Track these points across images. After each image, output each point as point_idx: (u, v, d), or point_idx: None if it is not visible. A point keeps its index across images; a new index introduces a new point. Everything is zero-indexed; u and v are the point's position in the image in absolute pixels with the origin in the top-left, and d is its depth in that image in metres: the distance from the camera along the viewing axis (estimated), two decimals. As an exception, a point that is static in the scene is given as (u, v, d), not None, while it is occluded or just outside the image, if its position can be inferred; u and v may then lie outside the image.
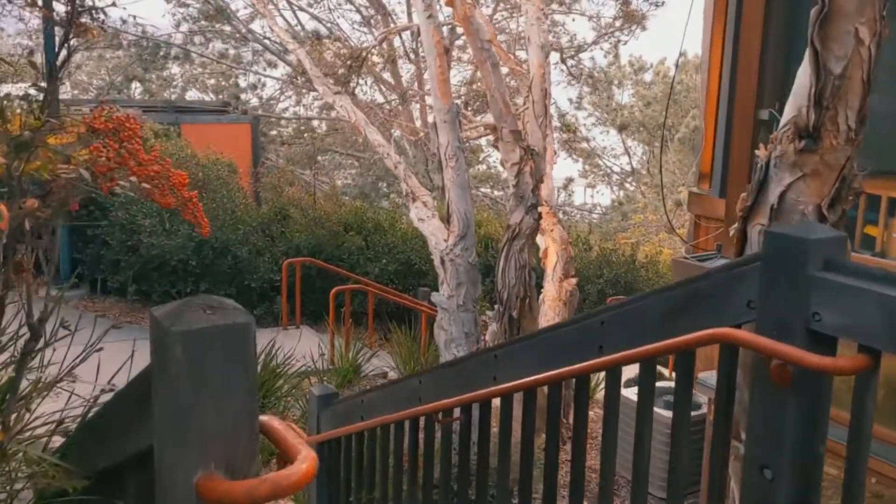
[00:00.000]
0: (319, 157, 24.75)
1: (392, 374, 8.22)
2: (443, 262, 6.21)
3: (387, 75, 20.32)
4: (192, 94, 25.26)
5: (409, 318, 9.77)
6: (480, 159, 24.14)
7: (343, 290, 8.22)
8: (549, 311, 7.86)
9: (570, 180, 26.16)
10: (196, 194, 1.94)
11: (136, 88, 23.59)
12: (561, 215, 12.40)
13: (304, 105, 23.82)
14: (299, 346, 8.04)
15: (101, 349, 2.07)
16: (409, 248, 10.40)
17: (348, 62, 10.51)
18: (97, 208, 9.13)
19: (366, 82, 17.36)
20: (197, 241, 8.72)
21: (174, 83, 24.97)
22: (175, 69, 24.15)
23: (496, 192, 22.61)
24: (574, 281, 8.13)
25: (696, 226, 6.57)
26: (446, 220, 6.30)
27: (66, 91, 21.66)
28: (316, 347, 8.00)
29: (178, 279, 8.79)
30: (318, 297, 9.80)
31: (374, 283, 9.50)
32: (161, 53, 21.49)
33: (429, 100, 13.74)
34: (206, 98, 23.84)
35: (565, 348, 2.32)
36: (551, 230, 8.33)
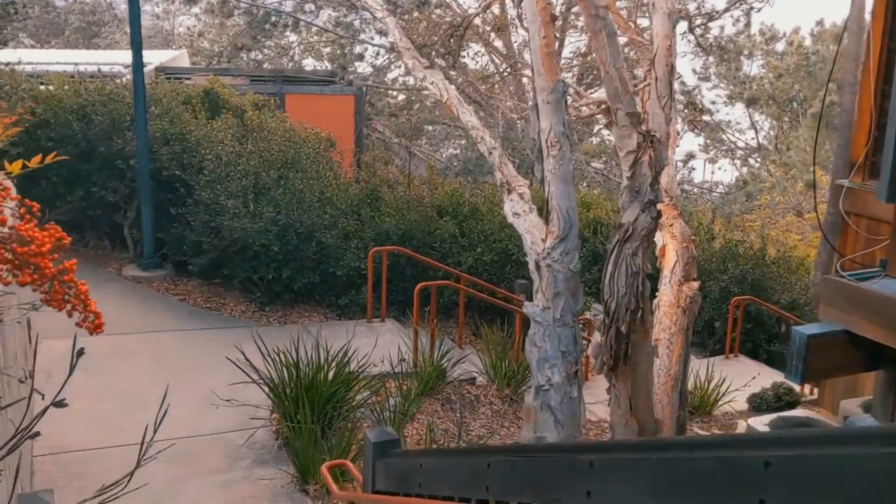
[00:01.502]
0: (430, 127, 24.19)
1: (481, 380, 7.45)
2: (538, 267, 5.34)
3: (499, 44, 19.41)
4: (308, 63, 25.11)
5: (504, 314, 8.97)
6: (594, 132, 22.93)
7: (429, 286, 7.47)
8: (665, 318, 6.85)
9: (690, 156, 24.52)
10: (74, 264, 1.22)
11: (255, 56, 23.59)
12: (679, 192, 11.18)
13: (414, 75, 23.11)
14: (381, 344, 7.39)
15: None
16: (506, 235, 9.55)
17: (449, 32, 9.66)
18: (183, 186, 8.73)
19: (468, 54, 16.51)
20: (281, 225, 8.16)
21: (290, 52, 24.95)
22: (292, 37, 24.07)
23: (613, 168, 21.27)
24: (696, 285, 7.07)
25: (843, 226, 5.43)
26: (545, 217, 5.42)
27: (187, 58, 21.86)
28: (399, 346, 7.32)
29: (260, 264, 8.27)
30: (408, 288, 9.10)
31: (467, 275, 8.72)
32: (272, 20, 21.29)
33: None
34: (321, 67, 23.59)
35: (703, 483, 1.43)
36: (671, 225, 7.26)
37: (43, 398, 4.50)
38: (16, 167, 1.55)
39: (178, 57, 22.21)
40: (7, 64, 9.37)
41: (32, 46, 26.66)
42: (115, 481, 1.68)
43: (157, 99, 9.46)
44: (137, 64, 8.51)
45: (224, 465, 5.30)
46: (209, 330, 7.57)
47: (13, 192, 1.18)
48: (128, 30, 9.35)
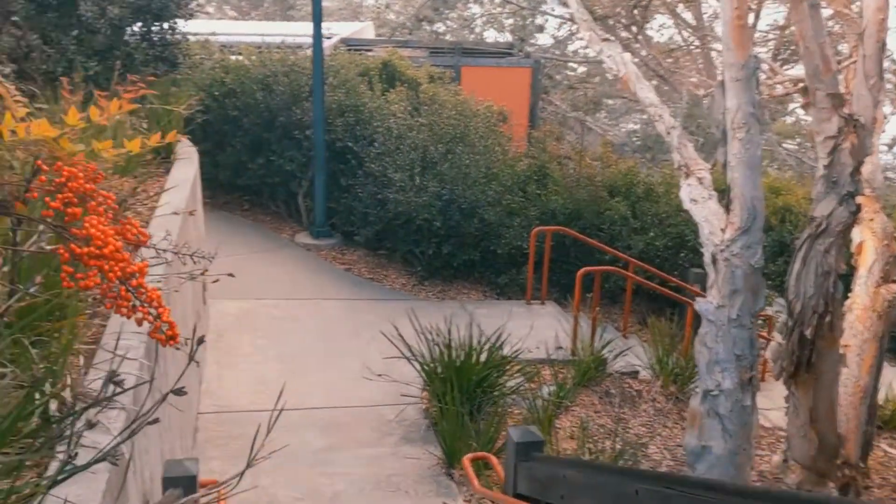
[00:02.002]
0: (610, 101, 23.43)
1: (644, 375, 7.02)
2: (715, 260, 4.86)
3: (688, 15, 18.29)
4: (489, 35, 25.05)
5: (675, 303, 8.43)
6: (788, 110, 21.21)
7: (592, 272, 7.11)
8: (857, 323, 6.11)
9: (896, 141, 22.07)
10: (145, 266, 1.08)
11: (437, 27, 23.82)
12: (882, 182, 9.90)
13: (591, 47, 22.45)
14: (538, 328, 7.15)
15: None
16: (683, 219, 8.94)
17: (634, 2, 9.11)
18: (354, 157, 8.86)
19: (652, 26, 15.61)
20: (445, 200, 8.08)
21: (472, 23, 24.99)
22: (475, 8, 24.09)
23: (808, 150, 19.57)
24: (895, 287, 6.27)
25: None
26: (726, 206, 4.92)
27: (372, 30, 22.45)
28: (558, 331, 7.05)
29: (422, 238, 8.25)
30: (571, 269, 8.76)
31: (636, 261, 8.25)
32: (454, -11, 21.29)
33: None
34: (503, 39, 23.45)
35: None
36: (871, 219, 6.43)
37: (198, 365, 4.58)
38: (135, 145, 1.46)
39: (362, 29, 22.80)
40: (197, 34, 9.89)
41: (234, 18, 28.36)
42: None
43: (335, 70, 9.65)
44: (317, 36, 8.68)
45: (373, 439, 5.30)
46: (370, 301, 7.66)
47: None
48: (322, 2, 9.56)
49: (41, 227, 1.49)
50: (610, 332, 7.71)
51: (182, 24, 6.67)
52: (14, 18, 5.69)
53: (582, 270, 6.81)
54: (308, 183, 9.23)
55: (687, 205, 5.45)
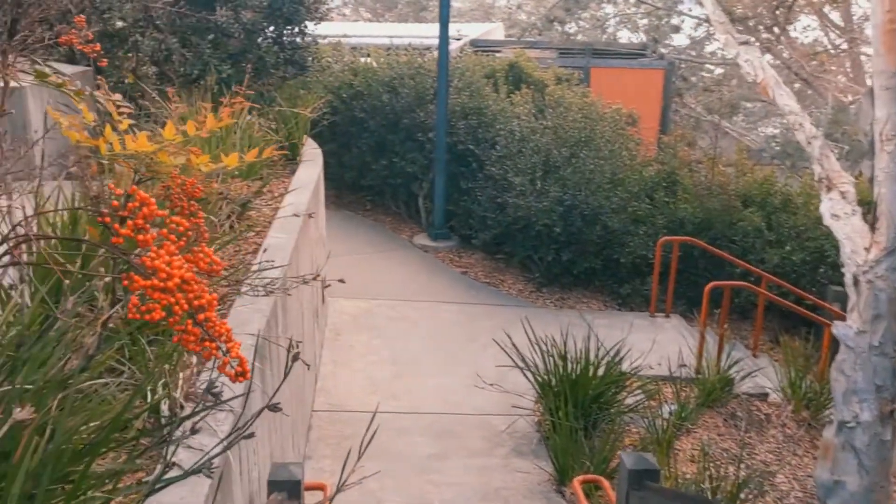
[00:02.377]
0: (748, 104, 22.42)
1: (774, 397, 6.59)
2: (856, 281, 4.48)
3: (836, 16, 17.19)
4: (623, 35, 24.52)
5: (811, 322, 7.89)
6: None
7: (722, 286, 6.74)
8: None
9: None
10: (214, 300, 1.02)
11: (569, 28, 23.51)
12: None
13: (727, 50, 21.61)
14: (661, 342, 6.86)
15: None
16: (823, 233, 8.35)
17: (776, 2, 8.59)
18: (475, 160, 8.82)
19: (796, 27, 14.72)
20: (566, 205, 7.89)
21: (605, 23, 24.54)
22: (608, 8, 23.66)
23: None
24: None
25: None
26: (871, 223, 4.52)
27: (501, 31, 22.45)
28: (682, 347, 6.73)
29: (541, 244, 8.09)
30: (699, 282, 8.36)
31: (769, 275, 7.76)
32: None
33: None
34: (637, 39, 22.93)
35: None
36: None
37: (308, 368, 4.61)
38: (233, 160, 1.43)
39: (492, 30, 22.78)
40: (329, 37, 10.12)
41: (369, 20, 29.02)
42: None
43: (460, 72, 9.64)
44: (443, 38, 8.69)
45: (483, 449, 5.22)
46: (485, 306, 7.59)
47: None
48: (454, 3, 9.62)
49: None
50: (738, 349, 7.30)
51: (311, 28, 6.82)
52: (157, 23, 5.98)
53: (710, 285, 6.46)
54: (429, 185, 9.27)
55: (828, 220, 5.05)
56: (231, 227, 4.60)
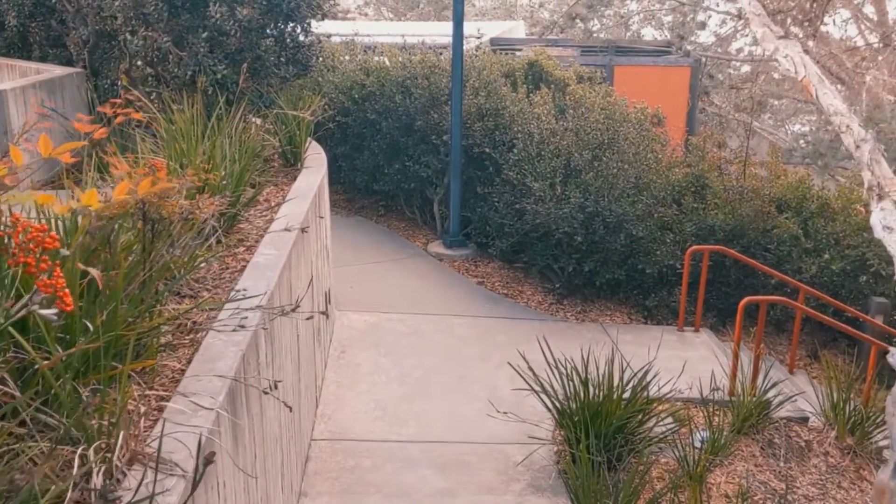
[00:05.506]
0: (775, 101, 21.83)
1: (815, 421, 6.07)
2: (917, 304, 3.97)
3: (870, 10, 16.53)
4: (647, 33, 24.04)
5: (850, 337, 7.36)
6: None
7: (757, 301, 6.22)
8: None
9: None
10: None
11: (592, 25, 23.00)
12: None
13: (763, 46, 21.20)
14: (691, 360, 6.37)
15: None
16: (863, 240, 7.82)
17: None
18: (492, 164, 8.35)
19: (833, 20, 14.08)
20: (588, 212, 7.39)
21: (629, 20, 24.07)
22: (633, 6, 23.19)
23: None
24: None
25: None
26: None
27: (522, 30, 22.02)
28: (714, 366, 6.23)
29: (562, 253, 7.59)
30: (730, 294, 7.87)
31: (807, 287, 7.23)
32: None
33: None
34: (661, 37, 22.45)
35: None
36: None
37: (291, 410, 4.11)
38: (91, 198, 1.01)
39: (512, 28, 22.28)
40: (341, 35, 9.72)
41: (391, 19, 28.66)
42: None
43: (477, 71, 9.18)
44: (457, 36, 8.25)
45: (496, 484, 4.76)
46: (502, 319, 7.12)
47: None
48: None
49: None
50: (775, 367, 6.78)
51: (315, 25, 6.40)
52: (149, 19, 5.59)
53: (746, 300, 5.95)
54: (444, 190, 8.82)
55: (879, 233, 4.55)
56: (218, 241, 4.19)
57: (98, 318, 2.28)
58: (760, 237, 7.90)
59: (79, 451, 2.07)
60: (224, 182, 4.37)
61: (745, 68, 21.08)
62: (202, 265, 3.88)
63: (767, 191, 8.34)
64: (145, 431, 2.52)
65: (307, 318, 3.50)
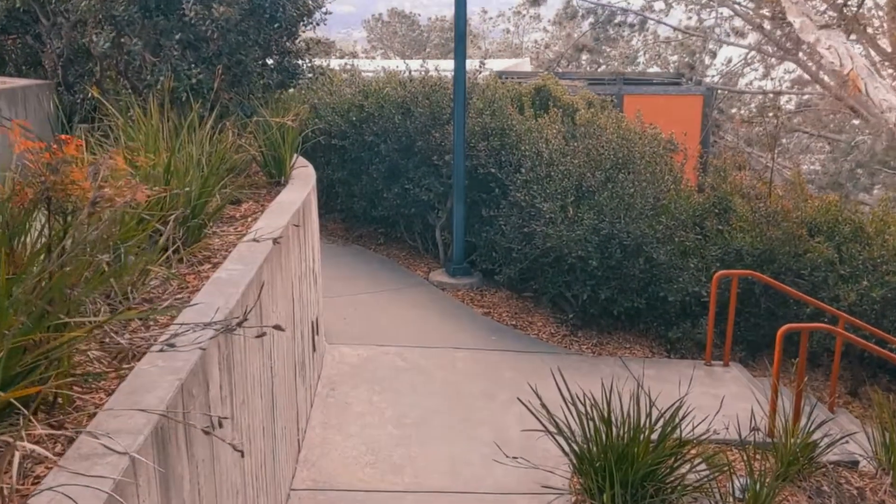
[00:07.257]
0: (784, 139, 21.47)
1: (866, 466, 5.35)
2: None
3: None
4: (654, 70, 23.91)
5: (892, 371, 6.66)
6: None
7: (797, 329, 5.55)
8: None
9: None
10: None
11: (600, 63, 22.79)
12: None
13: (771, 79, 21.01)
14: (724, 398, 5.66)
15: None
16: (904, 266, 7.16)
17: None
18: (498, 185, 7.76)
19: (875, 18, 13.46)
20: (603, 235, 6.76)
21: (636, 59, 23.95)
22: (637, 43, 23.06)
23: None
24: None
25: None
26: None
27: (528, 66, 21.78)
28: (750, 403, 5.53)
29: (575, 280, 6.94)
30: (761, 324, 7.20)
31: (846, 315, 6.55)
32: (617, 21, 20.24)
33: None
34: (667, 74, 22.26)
35: None
36: None
37: (243, 456, 3.42)
38: None
39: (518, 64, 21.98)
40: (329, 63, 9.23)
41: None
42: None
43: (481, 89, 8.65)
44: (459, 49, 7.72)
45: (505, 542, 4.07)
46: (511, 353, 6.46)
47: None
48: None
49: None
50: (817, 408, 6.07)
51: (302, 30, 5.87)
52: (117, 19, 5.07)
53: (785, 328, 5.27)
54: (446, 214, 8.21)
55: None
56: (177, 252, 3.57)
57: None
58: (792, 262, 7.25)
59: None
60: (187, 188, 3.78)
61: (754, 105, 20.86)
62: (152, 280, 3.27)
63: (797, 214, 7.70)
64: (34, 485, 1.91)
65: (256, 337, 2.87)
